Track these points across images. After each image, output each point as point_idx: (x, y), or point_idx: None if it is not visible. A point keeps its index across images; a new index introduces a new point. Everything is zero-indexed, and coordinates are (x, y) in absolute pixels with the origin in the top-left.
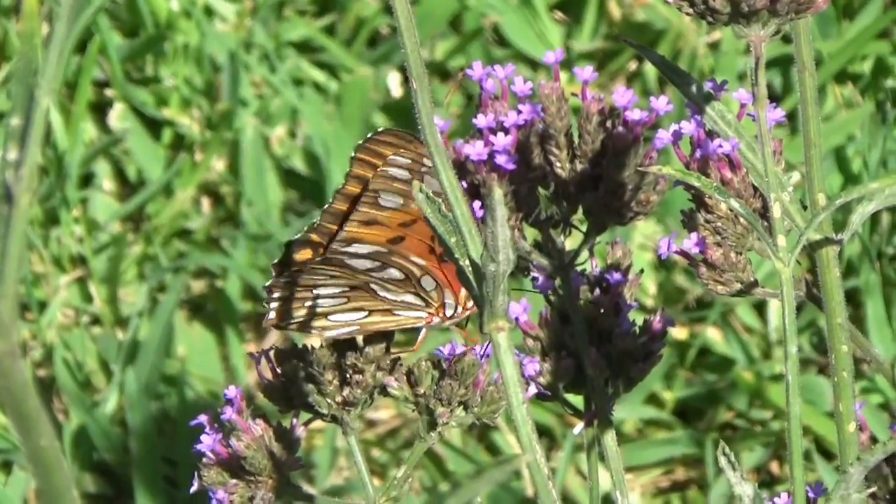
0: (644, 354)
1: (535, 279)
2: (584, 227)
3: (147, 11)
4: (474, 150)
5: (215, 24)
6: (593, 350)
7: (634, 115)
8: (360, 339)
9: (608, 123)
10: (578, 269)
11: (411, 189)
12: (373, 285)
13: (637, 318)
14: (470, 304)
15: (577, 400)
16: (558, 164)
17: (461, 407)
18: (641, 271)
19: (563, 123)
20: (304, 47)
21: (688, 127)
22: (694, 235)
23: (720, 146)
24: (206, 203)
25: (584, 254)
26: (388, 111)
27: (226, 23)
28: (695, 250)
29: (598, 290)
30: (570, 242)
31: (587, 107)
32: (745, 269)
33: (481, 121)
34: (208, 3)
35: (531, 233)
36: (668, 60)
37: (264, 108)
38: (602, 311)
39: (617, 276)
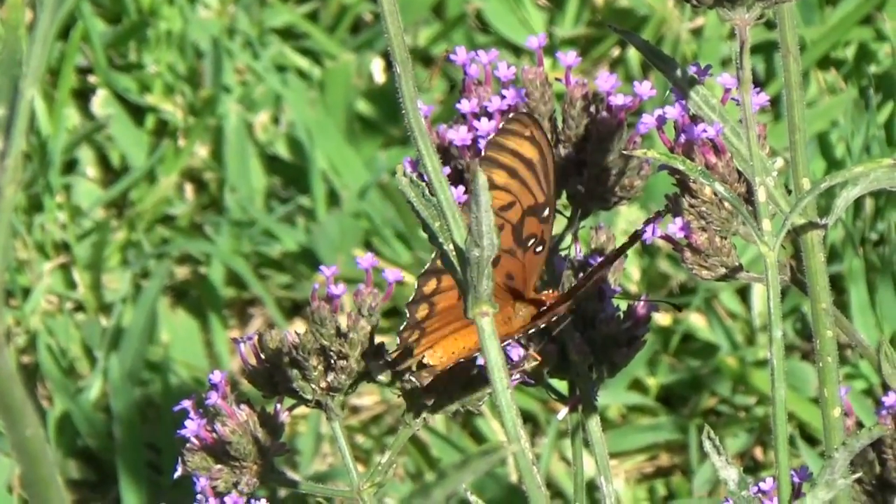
0: (628, 340)
1: None
2: (567, 213)
3: None
4: (458, 135)
5: (198, 10)
6: (577, 335)
7: (618, 100)
8: (343, 323)
9: (592, 108)
10: (562, 254)
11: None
12: None
13: (621, 305)
14: None
15: (561, 385)
16: None
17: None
18: (625, 256)
19: (547, 108)
20: (288, 34)
21: (672, 112)
22: (678, 220)
23: (704, 131)
24: (189, 189)
25: (568, 239)
26: (372, 97)
27: (209, 9)
28: (679, 235)
29: (581, 276)
30: (554, 228)
31: (571, 92)
32: (729, 254)
33: (465, 106)
34: None
35: None
36: (652, 45)
37: (247, 95)
38: (586, 295)
39: (599, 261)
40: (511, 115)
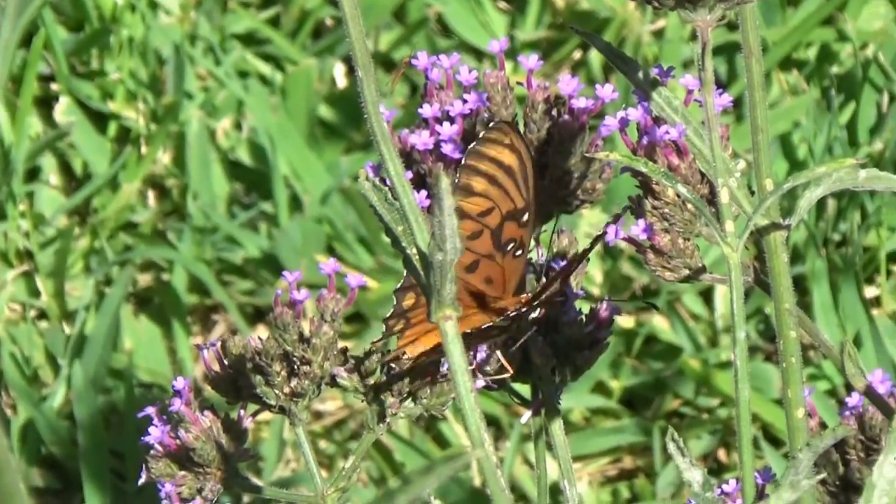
0: (591, 342)
1: None
2: None
3: (92, 5)
4: (420, 139)
5: (160, 17)
6: (540, 339)
7: (580, 102)
8: (306, 329)
9: (554, 112)
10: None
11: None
12: None
13: (583, 308)
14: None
15: (524, 389)
16: None
17: (411, 398)
18: (588, 259)
19: (509, 112)
20: (249, 39)
21: (634, 114)
22: (641, 222)
23: (667, 132)
24: (151, 196)
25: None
26: (333, 102)
27: (170, 16)
28: (642, 237)
29: (544, 279)
30: None
31: (532, 95)
32: (692, 255)
33: (427, 110)
34: None
35: None
36: (614, 47)
37: (209, 101)
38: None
39: (563, 264)
40: (491, 123)
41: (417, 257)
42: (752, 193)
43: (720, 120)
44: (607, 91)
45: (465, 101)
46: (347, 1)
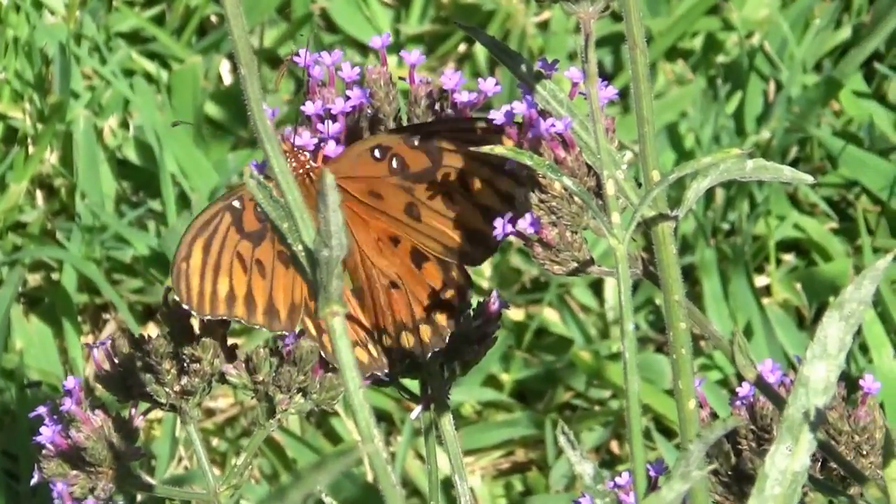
0: (479, 337)
1: None
2: None
3: None
4: (302, 140)
5: (45, 17)
6: None
7: (463, 97)
8: (196, 327)
9: (437, 106)
10: None
11: None
12: None
13: (473, 300)
14: None
15: (413, 384)
16: None
17: (300, 393)
18: None
19: (392, 108)
20: (135, 38)
21: (520, 107)
22: (528, 216)
23: (553, 125)
24: (40, 196)
25: None
26: (219, 99)
27: (56, 15)
28: (530, 230)
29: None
30: None
31: (415, 90)
32: (580, 248)
33: (309, 108)
34: None
35: None
36: (498, 41)
37: (96, 100)
38: None
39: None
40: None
41: (304, 254)
42: (640, 185)
43: (607, 111)
44: (490, 85)
45: (347, 98)
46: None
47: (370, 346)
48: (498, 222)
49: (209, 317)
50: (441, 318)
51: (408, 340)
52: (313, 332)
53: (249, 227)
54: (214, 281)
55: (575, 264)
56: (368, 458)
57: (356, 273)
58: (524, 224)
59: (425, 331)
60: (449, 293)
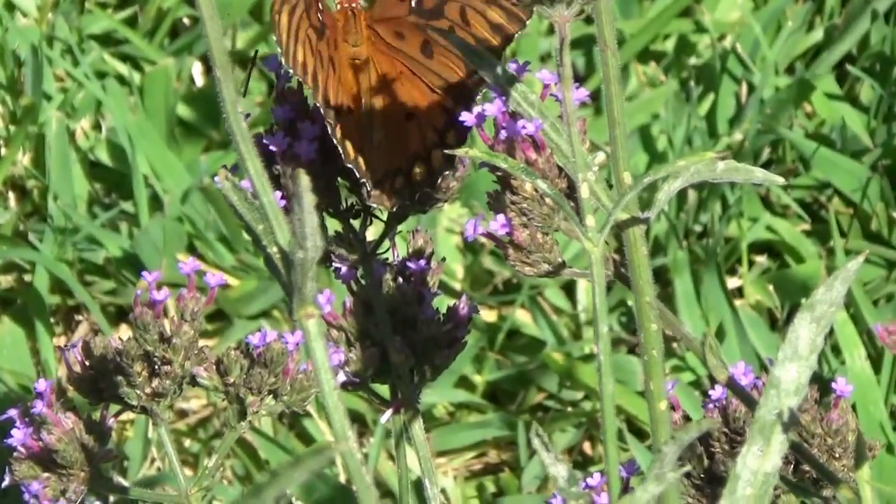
0: (449, 341)
1: (337, 270)
2: (384, 217)
3: None
4: (274, 141)
5: (17, 18)
6: (398, 339)
7: None
8: (167, 329)
9: None
10: (381, 258)
11: None
12: None
13: (445, 303)
14: None
15: (384, 389)
16: None
17: (271, 395)
18: (444, 259)
19: None
20: (107, 40)
21: (491, 109)
22: (500, 217)
23: (524, 127)
24: (12, 197)
25: (387, 243)
26: (192, 101)
27: (28, 17)
28: (501, 232)
29: (400, 279)
30: (372, 232)
31: None
32: (552, 250)
33: (279, 113)
34: None
35: (332, 223)
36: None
37: (68, 102)
38: (405, 299)
39: (419, 264)
40: None
41: (279, 256)
42: (611, 187)
43: (578, 113)
44: None
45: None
46: (205, 1)
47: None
48: (469, 224)
49: (292, 72)
50: (451, 138)
51: (420, 169)
52: (338, 135)
53: (314, 21)
54: (295, 45)
55: (547, 266)
56: (342, 457)
57: (385, 115)
58: (496, 225)
59: (436, 156)
60: (452, 126)
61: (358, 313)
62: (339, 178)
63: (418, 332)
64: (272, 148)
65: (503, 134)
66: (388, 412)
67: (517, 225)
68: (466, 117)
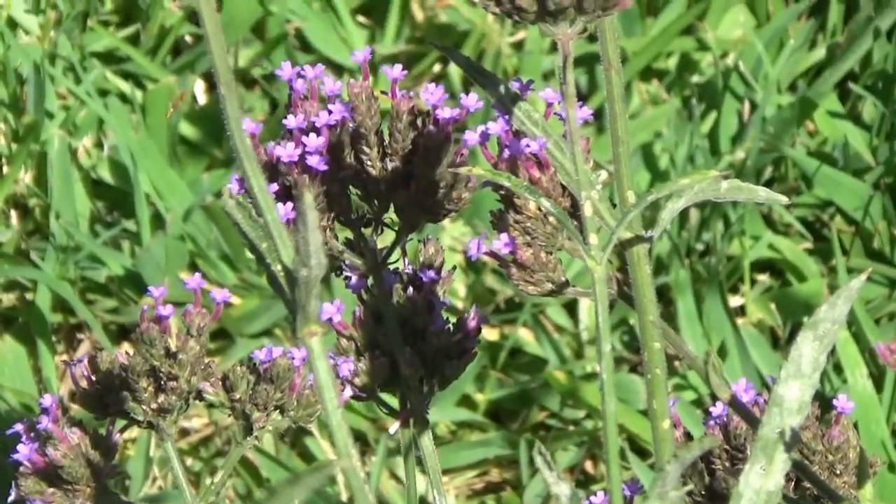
0: (459, 352)
1: (347, 279)
2: (396, 226)
3: None
4: (285, 151)
5: (20, 36)
6: (408, 349)
7: (445, 112)
8: (173, 345)
9: (419, 122)
10: (391, 267)
11: None
12: None
13: (450, 318)
14: None
15: (392, 400)
16: (369, 163)
17: (277, 411)
18: (454, 268)
19: (374, 122)
20: (109, 58)
21: (495, 127)
22: (503, 236)
23: (528, 146)
24: (14, 216)
25: (397, 252)
26: (194, 119)
27: (30, 35)
28: (505, 251)
29: (411, 289)
30: (383, 241)
31: (397, 105)
32: (555, 269)
33: (292, 121)
34: (12, 15)
35: (343, 232)
36: (473, 62)
37: (70, 120)
38: (416, 309)
39: (430, 273)
40: None
41: (282, 274)
42: (615, 206)
43: (582, 131)
44: (472, 100)
45: (330, 112)
46: (209, 18)
47: None
48: (472, 243)
49: None
50: None
51: None
52: None
53: None
54: None
55: (550, 285)
56: (345, 474)
57: None
58: (499, 244)
59: None
60: None
61: (368, 323)
62: (350, 187)
63: (428, 343)
64: (284, 159)
65: (507, 153)
66: (397, 423)
67: (521, 244)
68: (470, 136)
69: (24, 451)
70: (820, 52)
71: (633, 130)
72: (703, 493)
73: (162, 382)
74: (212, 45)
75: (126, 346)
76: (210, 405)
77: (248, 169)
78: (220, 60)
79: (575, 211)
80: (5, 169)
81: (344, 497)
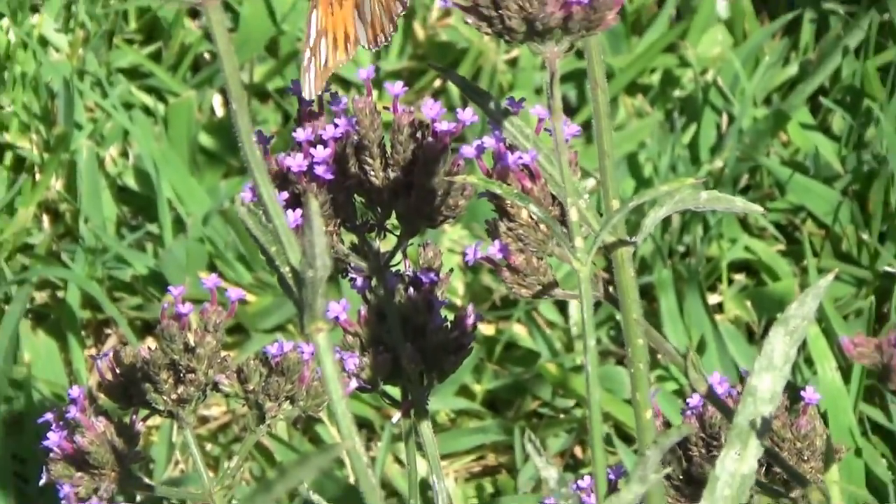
0: (456, 348)
1: (353, 280)
2: (398, 231)
3: None
4: (295, 162)
5: (50, 53)
6: (409, 345)
7: (443, 125)
8: (192, 340)
9: (418, 134)
10: (393, 269)
11: None
12: None
13: (448, 316)
14: None
15: (395, 391)
16: (372, 173)
17: (288, 401)
18: (451, 270)
19: (377, 135)
20: (134, 73)
21: (489, 141)
22: (497, 242)
23: (520, 158)
24: (46, 220)
25: (399, 255)
26: (212, 130)
27: (60, 52)
28: (498, 256)
29: (412, 289)
30: (385, 245)
31: (398, 119)
32: (545, 273)
33: (301, 134)
34: (43, 34)
35: (349, 237)
36: (468, 81)
37: (98, 131)
38: (416, 308)
39: (429, 275)
40: None
41: (290, 275)
42: (602, 214)
43: (571, 142)
44: (468, 115)
45: (336, 126)
46: (221, 39)
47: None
48: (469, 249)
49: None
50: None
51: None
52: None
53: None
54: None
55: (540, 287)
56: (349, 457)
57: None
58: (493, 250)
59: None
60: None
61: (372, 321)
62: (354, 195)
63: (428, 340)
64: (293, 169)
65: (499, 165)
66: (398, 414)
67: (513, 250)
68: (466, 150)
69: (53, 438)
70: (793, 69)
71: (620, 141)
72: (680, 476)
73: (181, 375)
74: (224, 63)
75: (150, 341)
76: (226, 395)
77: (258, 178)
78: (231, 78)
79: (564, 218)
80: (37, 177)
81: (352, 479)
